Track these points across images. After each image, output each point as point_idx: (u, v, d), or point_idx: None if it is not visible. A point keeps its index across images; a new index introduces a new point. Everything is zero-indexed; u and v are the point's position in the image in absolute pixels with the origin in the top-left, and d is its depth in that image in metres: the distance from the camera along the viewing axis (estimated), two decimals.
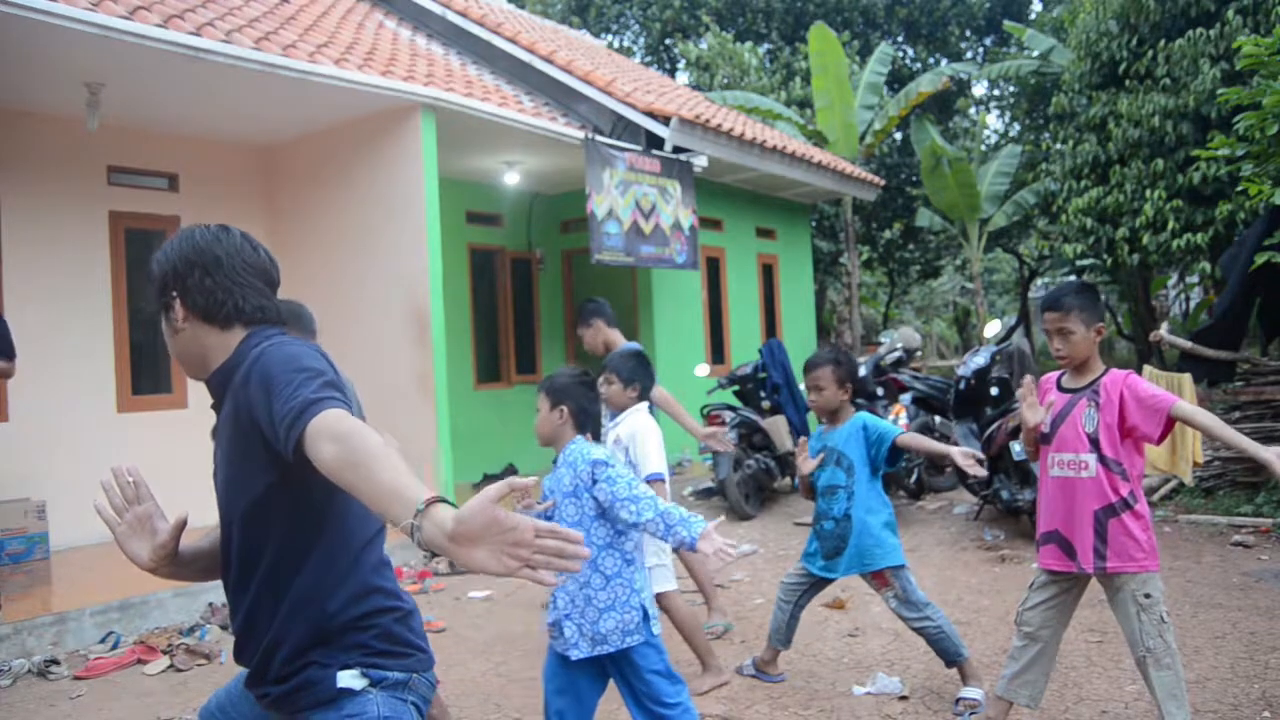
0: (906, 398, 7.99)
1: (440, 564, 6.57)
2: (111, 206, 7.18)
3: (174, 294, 1.80)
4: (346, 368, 7.26)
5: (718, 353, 11.28)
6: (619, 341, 4.84)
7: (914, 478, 7.77)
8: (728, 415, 7.76)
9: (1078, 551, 3.01)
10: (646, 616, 2.80)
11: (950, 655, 3.67)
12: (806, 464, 3.86)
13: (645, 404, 3.92)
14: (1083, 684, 3.79)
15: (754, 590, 5.62)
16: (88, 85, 6.10)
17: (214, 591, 5.29)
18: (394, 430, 6.96)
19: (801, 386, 8.87)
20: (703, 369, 9.00)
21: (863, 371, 7.97)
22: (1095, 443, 3.00)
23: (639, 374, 3.86)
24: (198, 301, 1.80)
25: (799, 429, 8.66)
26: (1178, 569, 5.46)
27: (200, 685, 4.34)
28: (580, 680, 2.85)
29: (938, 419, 8.13)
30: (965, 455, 3.33)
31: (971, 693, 3.60)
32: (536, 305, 11.06)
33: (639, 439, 3.81)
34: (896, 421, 7.62)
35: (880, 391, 7.98)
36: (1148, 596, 2.95)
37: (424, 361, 7.14)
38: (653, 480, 3.73)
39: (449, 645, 4.80)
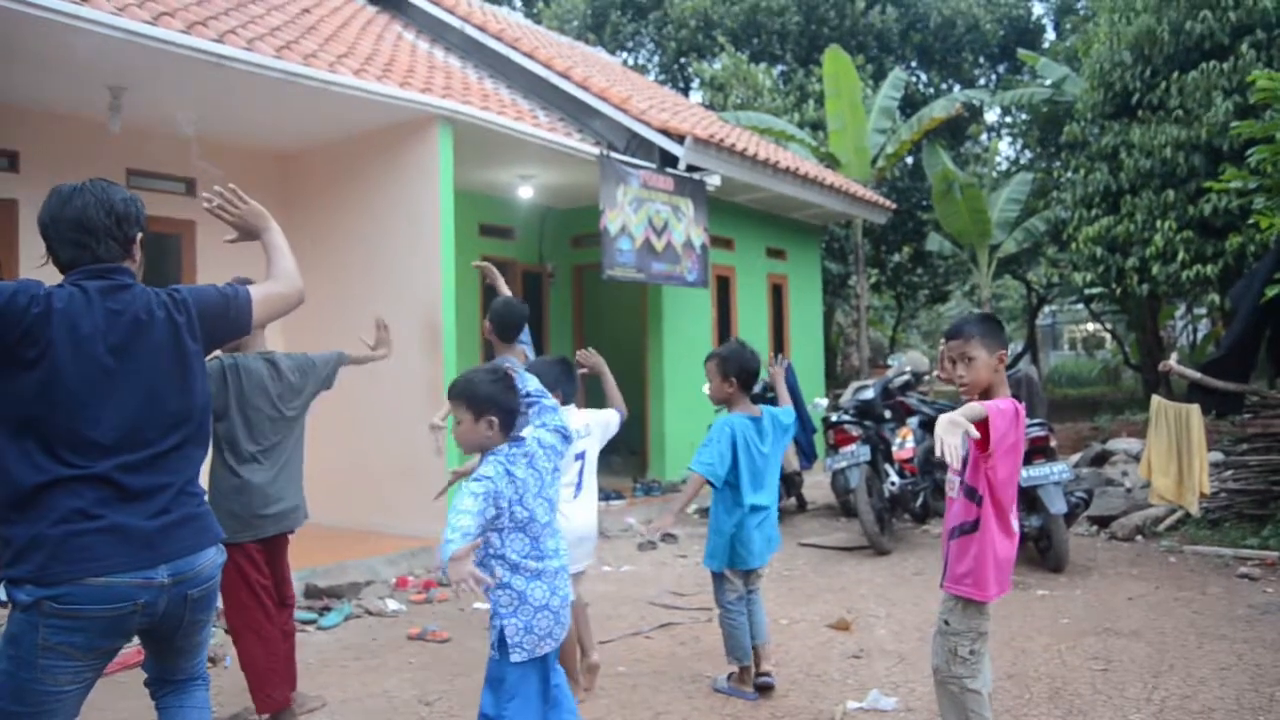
0: (914, 421, 7.99)
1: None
2: None
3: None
4: (358, 376, 7.12)
5: None
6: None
7: (920, 501, 7.76)
8: None
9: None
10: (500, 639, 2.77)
11: (728, 652, 4.13)
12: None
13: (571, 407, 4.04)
14: (1087, 711, 3.78)
15: None
16: (110, 88, 6.17)
17: None
18: (404, 438, 7.01)
19: (809, 407, 8.94)
20: None
21: (870, 394, 7.96)
22: (963, 466, 3.06)
23: (562, 381, 3.92)
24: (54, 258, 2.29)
25: (807, 450, 8.65)
26: (1183, 599, 5.44)
27: None
28: None
29: None
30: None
31: (722, 680, 4.20)
32: (546, 319, 11.09)
33: None
34: (904, 444, 7.62)
35: (888, 415, 7.98)
36: (946, 624, 2.97)
37: (434, 370, 7.17)
38: None
39: (453, 655, 4.81)
